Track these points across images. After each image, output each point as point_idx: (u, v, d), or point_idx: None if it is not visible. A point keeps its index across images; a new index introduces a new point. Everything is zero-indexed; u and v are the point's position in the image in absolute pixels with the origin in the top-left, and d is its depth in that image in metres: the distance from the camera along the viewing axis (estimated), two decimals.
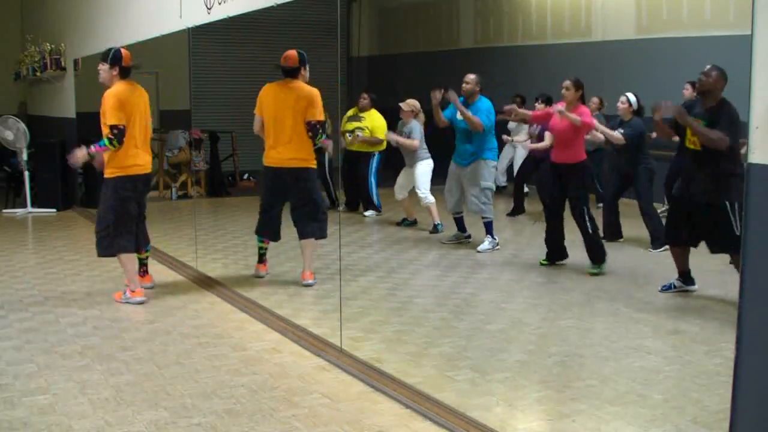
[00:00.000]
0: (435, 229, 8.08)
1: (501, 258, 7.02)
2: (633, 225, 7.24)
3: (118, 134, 5.32)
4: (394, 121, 8.57)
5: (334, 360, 4.39)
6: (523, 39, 12.03)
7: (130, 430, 3.48)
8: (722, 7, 8.80)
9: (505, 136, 8.76)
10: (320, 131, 5.79)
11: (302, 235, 5.99)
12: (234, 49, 13.49)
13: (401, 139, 8.16)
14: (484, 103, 7.09)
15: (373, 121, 8.81)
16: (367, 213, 9.13)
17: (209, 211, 10.59)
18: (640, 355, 4.47)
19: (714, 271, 5.55)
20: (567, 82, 6.31)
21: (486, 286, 6.15)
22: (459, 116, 7.15)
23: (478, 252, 7.17)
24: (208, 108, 13.03)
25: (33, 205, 10.03)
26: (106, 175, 5.50)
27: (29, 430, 3.48)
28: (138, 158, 5.52)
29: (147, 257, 5.99)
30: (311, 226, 5.95)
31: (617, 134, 6.81)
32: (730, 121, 4.96)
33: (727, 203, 5.02)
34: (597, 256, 6.24)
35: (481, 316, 5.30)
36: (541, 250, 6.75)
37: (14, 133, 9.91)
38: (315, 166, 6.01)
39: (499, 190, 9.97)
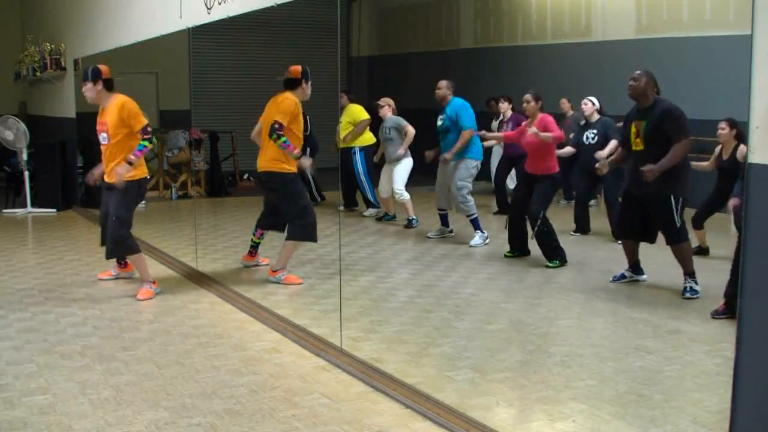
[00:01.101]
0: (410, 224, 8.43)
1: (500, 258, 7.02)
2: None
3: (152, 132, 5.66)
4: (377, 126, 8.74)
5: (334, 360, 4.39)
6: (523, 39, 12.03)
7: (130, 430, 3.48)
8: (722, 7, 8.80)
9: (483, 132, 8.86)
10: (275, 131, 5.91)
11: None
12: (234, 49, 13.50)
13: (407, 143, 8.41)
14: (458, 102, 7.48)
15: (351, 114, 9.03)
16: (368, 212, 9.15)
17: (209, 211, 10.59)
18: (640, 355, 4.47)
19: (715, 272, 5.55)
20: (527, 96, 6.77)
21: (486, 286, 6.15)
22: (439, 121, 7.58)
23: (471, 247, 7.41)
24: (208, 108, 13.04)
25: (33, 205, 10.03)
26: (129, 178, 5.63)
27: (29, 430, 3.48)
28: (141, 161, 5.79)
29: None
30: (289, 227, 6.18)
31: (568, 150, 7.58)
32: (676, 119, 5.39)
33: (671, 197, 5.44)
34: (550, 254, 6.59)
35: (481, 316, 5.30)
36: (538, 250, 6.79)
37: (14, 133, 9.91)
38: (288, 171, 6.04)
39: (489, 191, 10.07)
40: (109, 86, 5.69)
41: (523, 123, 7.03)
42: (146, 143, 5.60)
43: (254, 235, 6.60)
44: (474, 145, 7.47)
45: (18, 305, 5.60)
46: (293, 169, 6.05)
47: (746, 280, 2.67)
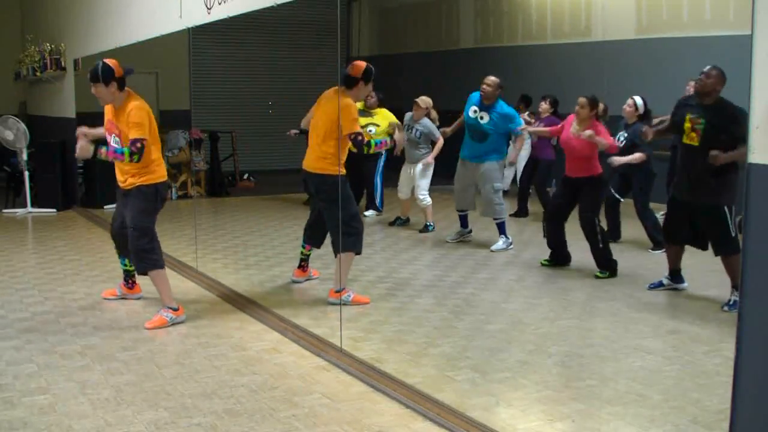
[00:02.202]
0: (426, 229, 8.23)
1: (501, 258, 7.03)
2: (632, 225, 7.25)
3: (140, 149, 4.92)
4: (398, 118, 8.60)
5: (334, 360, 4.39)
6: (523, 39, 12.03)
7: (130, 430, 3.48)
8: (722, 7, 8.80)
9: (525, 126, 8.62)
10: (360, 144, 5.35)
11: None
12: (234, 49, 13.51)
13: (435, 152, 8.15)
14: (509, 110, 7.20)
15: (385, 120, 8.74)
16: (368, 213, 9.13)
17: (209, 211, 10.59)
18: (640, 355, 4.47)
19: (714, 271, 5.54)
20: (582, 100, 6.30)
21: (486, 286, 6.15)
22: (471, 113, 7.23)
23: (491, 251, 7.25)
24: (208, 108, 13.04)
25: (33, 205, 10.03)
26: (144, 182, 5.10)
27: (29, 430, 3.48)
28: (159, 163, 5.26)
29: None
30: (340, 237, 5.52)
31: (618, 156, 6.66)
32: (734, 121, 4.90)
33: (725, 207, 5.12)
34: (605, 266, 6.27)
35: (481, 316, 5.30)
36: (541, 250, 6.78)
37: (14, 133, 9.91)
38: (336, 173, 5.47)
39: (504, 193, 10.03)
40: (123, 85, 5.03)
41: (561, 123, 6.76)
42: (126, 152, 4.87)
43: (303, 248, 6.05)
44: (504, 145, 7.36)
45: (18, 305, 5.59)
46: (342, 171, 5.45)
47: (746, 280, 2.67)
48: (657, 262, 6.28)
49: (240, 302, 5.65)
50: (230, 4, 5.86)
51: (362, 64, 5.50)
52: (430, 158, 8.16)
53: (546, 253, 6.67)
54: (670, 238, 5.71)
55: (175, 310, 5.15)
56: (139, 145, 4.92)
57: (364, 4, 15.11)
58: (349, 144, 5.39)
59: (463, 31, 13.32)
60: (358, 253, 5.55)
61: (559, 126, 6.85)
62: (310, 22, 13.37)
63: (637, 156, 6.70)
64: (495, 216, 7.32)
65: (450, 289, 5.98)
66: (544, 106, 8.49)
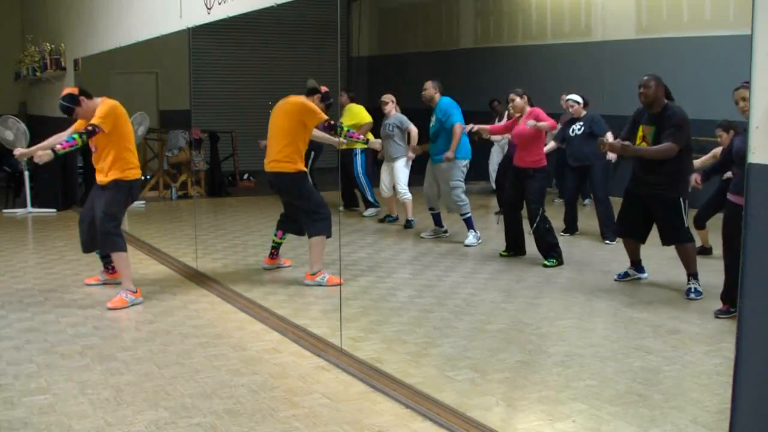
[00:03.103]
0: (408, 224, 8.44)
1: (500, 258, 7.03)
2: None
3: (91, 132, 5.42)
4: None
5: (334, 360, 4.39)
6: (523, 39, 12.04)
7: (130, 430, 3.48)
8: (722, 7, 8.81)
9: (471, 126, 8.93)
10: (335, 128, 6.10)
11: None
12: (234, 49, 13.51)
13: (413, 142, 8.35)
14: (445, 102, 7.50)
15: (354, 115, 8.93)
16: (368, 213, 9.15)
17: (209, 211, 10.59)
18: (640, 355, 4.47)
19: (716, 271, 5.54)
20: (512, 95, 6.90)
21: (486, 286, 6.15)
22: (431, 123, 7.61)
23: (466, 246, 7.47)
24: (208, 108, 13.05)
25: (33, 205, 10.03)
26: (122, 177, 5.63)
27: (29, 430, 3.48)
28: (135, 162, 5.77)
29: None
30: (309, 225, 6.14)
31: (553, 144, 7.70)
32: (677, 125, 5.40)
33: (680, 198, 5.50)
34: (547, 252, 6.63)
35: (481, 316, 5.30)
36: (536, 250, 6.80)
37: (14, 133, 9.92)
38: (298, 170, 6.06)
39: (492, 192, 10.07)
40: (87, 94, 5.68)
41: (511, 120, 7.15)
42: (77, 136, 5.43)
43: (275, 235, 6.53)
44: (463, 144, 7.49)
45: (18, 305, 5.60)
46: (302, 167, 6.06)
47: (746, 280, 2.67)
48: (656, 262, 6.28)
49: (240, 302, 5.65)
50: (230, 4, 5.86)
51: (314, 84, 6.16)
52: (411, 152, 8.41)
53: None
54: (623, 231, 6.05)
55: (134, 291, 5.62)
56: (90, 128, 5.41)
57: (364, 4, 15.12)
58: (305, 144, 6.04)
59: (463, 31, 13.32)
60: (328, 236, 6.04)
61: (501, 126, 7.56)
62: (310, 22, 13.37)
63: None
64: (459, 212, 7.58)
65: (450, 289, 5.99)
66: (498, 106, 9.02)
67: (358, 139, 6.61)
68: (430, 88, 7.51)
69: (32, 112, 13.05)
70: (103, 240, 5.62)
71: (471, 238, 7.54)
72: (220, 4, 6.01)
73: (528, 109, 6.82)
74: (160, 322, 5.17)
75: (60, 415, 3.63)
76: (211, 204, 11.14)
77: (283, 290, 6.00)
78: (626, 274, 6.07)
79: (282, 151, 5.96)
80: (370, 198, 9.23)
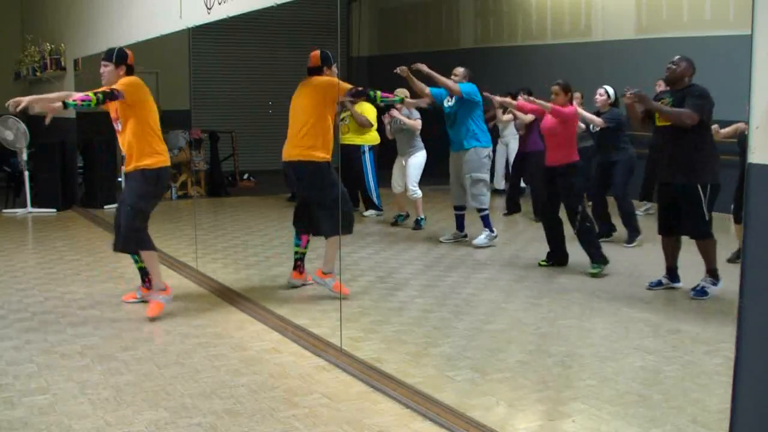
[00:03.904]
0: (417, 224, 8.27)
1: (501, 258, 7.03)
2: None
3: (109, 95, 4.99)
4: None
5: (334, 360, 4.39)
6: (523, 39, 12.03)
7: (130, 430, 3.48)
8: (722, 7, 8.80)
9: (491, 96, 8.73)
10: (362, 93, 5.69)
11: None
12: (234, 49, 13.50)
13: (404, 119, 8.17)
14: (466, 86, 7.28)
15: (367, 111, 8.81)
16: (367, 213, 9.13)
17: (209, 211, 10.59)
18: (640, 355, 4.47)
19: (720, 272, 5.55)
20: (555, 87, 6.40)
21: (486, 286, 6.14)
22: (446, 104, 7.35)
23: (474, 246, 7.27)
24: (208, 108, 13.04)
25: (33, 205, 10.03)
26: (147, 166, 5.21)
27: (29, 430, 3.48)
28: (161, 148, 5.36)
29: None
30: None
31: (598, 119, 7.05)
32: (698, 95, 5.25)
33: (699, 186, 5.22)
34: (594, 255, 6.23)
35: (481, 316, 5.30)
36: (540, 250, 6.77)
37: (14, 133, 9.92)
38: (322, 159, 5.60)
39: (500, 193, 10.03)
40: (130, 73, 5.27)
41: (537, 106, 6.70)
42: (91, 94, 4.93)
43: (298, 245, 5.88)
44: (483, 132, 7.34)
45: (18, 305, 5.59)
46: (328, 157, 5.59)
47: (746, 280, 2.67)
48: (657, 263, 6.27)
49: (240, 302, 5.64)
50: (230, 4, 5.86)
51: (317, 52, 5.67)
52: (395, 113, 8.19)
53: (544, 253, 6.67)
54: (662, 229, 5.65)
55: (164, 290, 5.33)
56: (108, 91, 5.00)
57: (364, 4, 15.11)
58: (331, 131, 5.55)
59: (463, 31, 13.32)
60: (349, 232, 5.66)
61: (528, 103, 6.91)
62: (310, 22, 13.35)
63: (596, 119, 7.02)
64: (478, 206, 7.30)
65: (450, 289, 5.98)
66: (522, 98, 8.59)
67: (394, 99, 5.99)
68: (461, 75, 7.29)
69: (32, 112, 13.05)
70: (126, 239, 5.25)
71: (483, 237, 7.30)
72: (220, 4, 6.01)
73: (567, 106, 6.36)
74: (160, 322, 5.17)
75: (60, 415, 3.63)
76: (211, 204, 11.14)
77: (283, 290, 6.00)
78: (659, 283, 5.70)
79: (306, 137, 5.50)
80: (375, 201, 9.11)
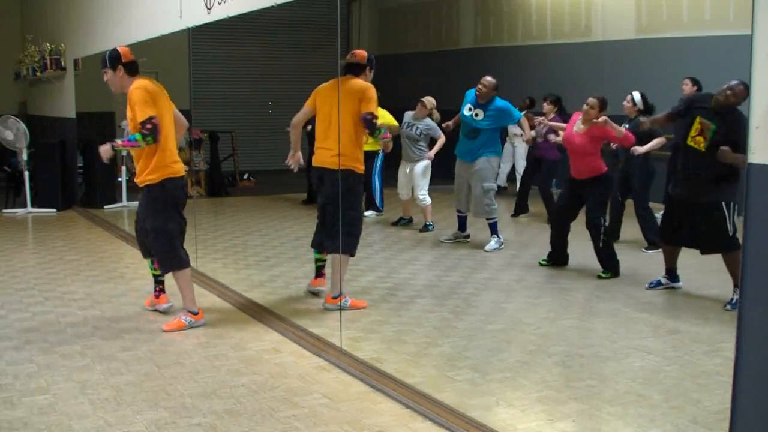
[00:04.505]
0: (426, 228, 8.25)
1: (501, 258, 7.03)
2: (630, 225, 7.27)
3: (153, 129, 4.68)
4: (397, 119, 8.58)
5: (334, 360, 4.39)
6: (523, 39, 12.03)
7: (130, 430, 3.48)
8: (722, 7, 8.80)
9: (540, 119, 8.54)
10: (372, 125, 5.20)
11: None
12: (234, 49, 13.51)
13: (436, 149, 8.10)
14: (503, 104, 7.19)
15: (383, 117, 8.71)
16: (368, 213, 9.13)
17: (209, 211, 10.59)
18: (640, 355, 4.47)
19: (714, 271, 5.55)
20: (592, 100, 6.22)
21: (486, 286, 6.15)
22: (467, 111, 7.25)
23: (485, 251, 7.25)
24: (208, 108, 13.03)
25: (33, 205, 10.03)
26: (149, 181, 4.90)
27: (29, 430, 3.48)
28: (176, 158, 5.01)
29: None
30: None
31: (641, 148, 6.67)
32: (739, 126, 4.88)
33: (723, 203, 5.14)
34: (609, 265, 6.25)
35: (481, 316, 5.30)
36: (541, 250, 6.79)
37: (14, 133, 9.91)
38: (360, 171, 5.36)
39: (500, 191, 10.03)
40: (132, 70, 4.92)
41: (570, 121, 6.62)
42: (139, 137, 4.65)
43: (321, 252, 5.67)
44: (498, 143, 7.36)
45: (18, 305, 5.59)
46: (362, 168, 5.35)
47: (746, 280, 2.67)
48: (657, 262, 6.27)
49: (240, 302, 5.64)
50: (230, 4, 5.86)
51: (364, 51, 5.43)
52: (430, 153, 8.14)
53: (545, 253, 6.68)
54: (666, 238, 5.71)
55: (195, 314, 5.05)
56: (149, 126, 4.68)
57: (364, 4, 15.11)
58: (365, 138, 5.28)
59: (463, 31, 13.32)
60: (353, 255, 5.41)
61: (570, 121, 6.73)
62: (310, 22, 13.37)
63: (657, 141, 6.62)
64: (487, 216, 7.32)
65: (450, 289, 5.98)
66: (548, 106, 8.30)
67: (388, 137, 5.55)
68: (492, 88, 7.08)
69: (32, 112, 13.05)
70: (158, 261, 5.07)
71: (493, 243, 7.29)
72: (220, 4, 6.01)
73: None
74: (160, 323, 5.16)
75: (60, 415, 3.63)
76: (211, 204, 11.14)
77: (283, 290, 6.00)
78: (659, 283, 5.78)
79: (347, 143, 5.17)
80: (378, 202, 9.12)
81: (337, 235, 5.20)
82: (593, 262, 6.48)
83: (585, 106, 6.24)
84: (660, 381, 4.07)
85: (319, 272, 5.73)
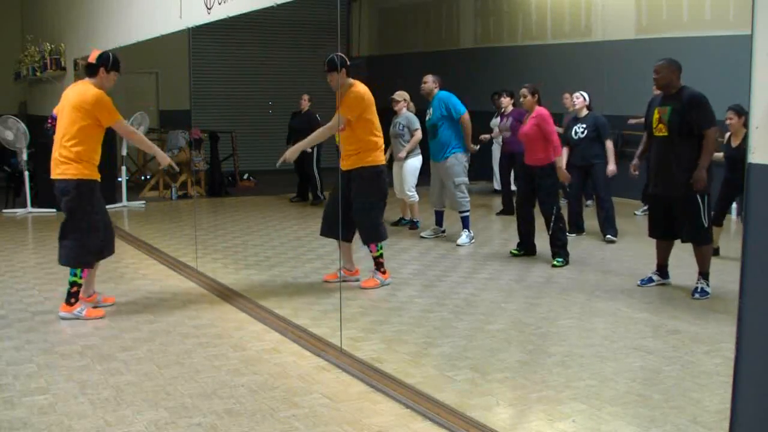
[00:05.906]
0: (413, 225, 8.45)
1: (500, 258, 7.03)
2: (624, 223, 7.31)
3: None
4: (389, 121, 8.59)
5: (334, 360, 4.39)
6: (523, 39, 12.04)
7: (130, 430, 3.48)
8: (722, 7, 8.80)
9: (482, 136, 9.09)
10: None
11: None
12: (234, 49, 13.52)
13: (409, 146, 8.15)
14: (443, 95, 7.58)
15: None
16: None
17: (209, 211, 10.59)
18: (640, 355, 4.47)
19: (715, 271, 5.55)
20: (524, 90, 6.77)
21: (486, 286, 6.14)
22: (426, 117, 7.69)
23: (458, 245, 7.50)
24: (208, 108, 13.06)
25: (33, 205, 10.02)
26: (81, 177, 5.56)
27: (29, 430, 3.48)
28: (90, 161, 5.59)
29: None
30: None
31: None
32: (701, 107, 5.36)
33: (698, 196, 5.38)
34: (558, 251, 6.61)
35: (481, 316, 5.30)
36: (541, 250, 6.79)
37: (14, 133, 9.92)
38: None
39: (498, 193, 10.06)
40: (106, 69, 5.32)
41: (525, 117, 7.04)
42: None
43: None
44: (461, 140, 7.59)
45: (18, 305, 5.59)
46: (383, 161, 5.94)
47: (746, 280, 2.67)
48: (655, 263, 6.28)
49: (240, 302, 5.64)
50: (230, 4, 5.86)
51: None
52: (402, 152, 8.19)
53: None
54: (653, 234, 5.89)
55: (93, 296, 5.48)
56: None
57: (364, 4, 15.13)
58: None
59: (463, 31, 13.32)
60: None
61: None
62: (310, 22, 13.38)
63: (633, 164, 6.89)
64: (459, 208, 7.62)
65: (450, 289, 5.98)
66: (505, 100, 8.86)
67: None
68: (431, 82, 7.58)
69: (32, 112, 13.06)
70: (85, 252, 5.56)
71: (464, 237, 7.58)
72: (220, 4, 6.00)
73: (536, 108, 6.74)
74: (160, 322, 5.17)
75: (60, 415, 3.63)
76: (211, 204, 11.14)
77: (283, 290, 6.00)
78: (650, 280, 5.88)
79: (370, 140, 5.82)
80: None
81: (371, 226, 5.87)
82: (594, 262, 6.49)
83: (521, 98, 6.86)
84: (660, 381, 4.07)
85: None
